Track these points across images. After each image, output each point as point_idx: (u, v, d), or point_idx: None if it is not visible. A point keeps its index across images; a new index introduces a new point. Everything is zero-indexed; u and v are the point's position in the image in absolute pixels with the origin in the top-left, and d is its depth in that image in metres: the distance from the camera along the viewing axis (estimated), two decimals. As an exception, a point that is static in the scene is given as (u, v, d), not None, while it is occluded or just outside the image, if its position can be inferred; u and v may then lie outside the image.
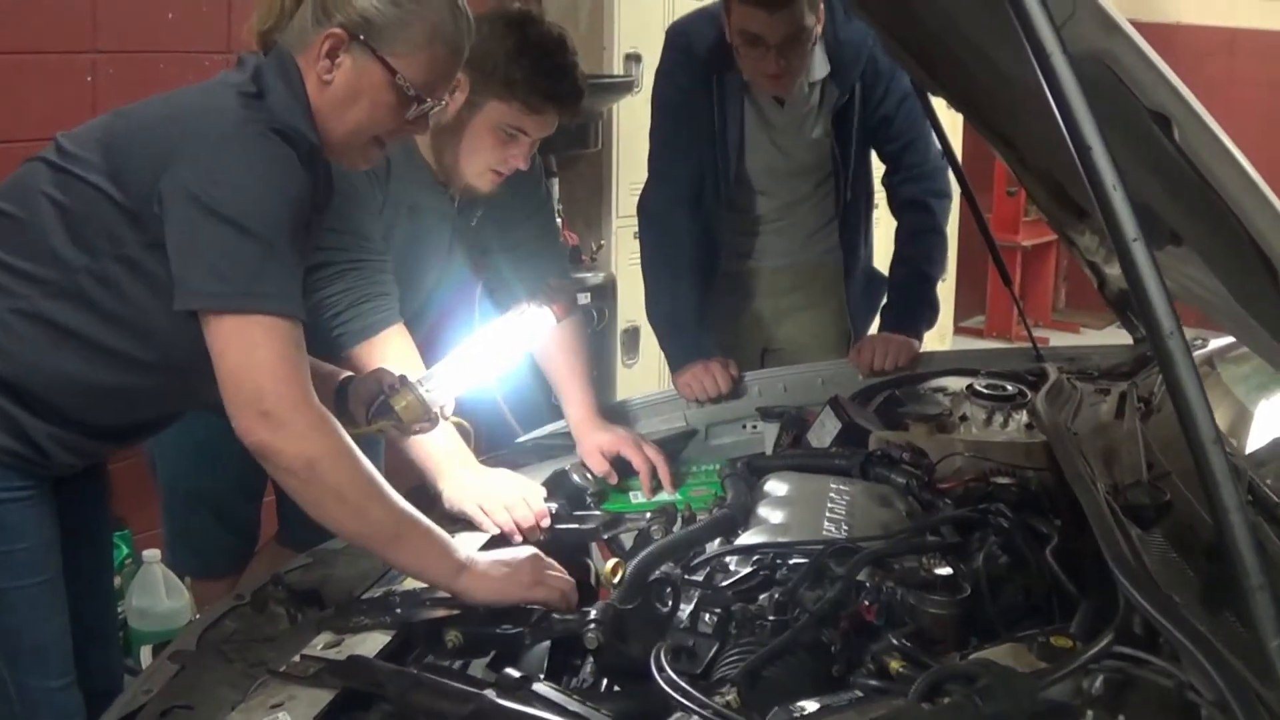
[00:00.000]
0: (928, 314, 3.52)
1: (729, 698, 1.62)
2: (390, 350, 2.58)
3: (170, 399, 2.29)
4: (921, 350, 3.35)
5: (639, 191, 3.57)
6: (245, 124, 2.00)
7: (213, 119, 2.02)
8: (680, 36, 3.43)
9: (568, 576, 2.12)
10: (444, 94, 2.19)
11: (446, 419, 2.42)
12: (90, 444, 2.20)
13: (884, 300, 3.61)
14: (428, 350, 2.71)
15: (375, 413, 2.28)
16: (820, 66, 3.34)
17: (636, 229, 3.58)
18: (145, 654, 3.75)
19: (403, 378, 2.32)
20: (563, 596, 2.06)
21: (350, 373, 2.40)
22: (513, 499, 2.44)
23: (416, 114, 2.15)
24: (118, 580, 3.92)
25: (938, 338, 7.43)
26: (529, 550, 2.16)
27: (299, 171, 2.02)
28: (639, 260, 3.55)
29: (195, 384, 2.27)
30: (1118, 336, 3.54)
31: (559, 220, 4.82)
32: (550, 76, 2.55)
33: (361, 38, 2.07)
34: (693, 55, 3.37)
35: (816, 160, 3.50)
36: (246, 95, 2.05)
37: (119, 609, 3.88)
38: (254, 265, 1.95)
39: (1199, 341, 2.78)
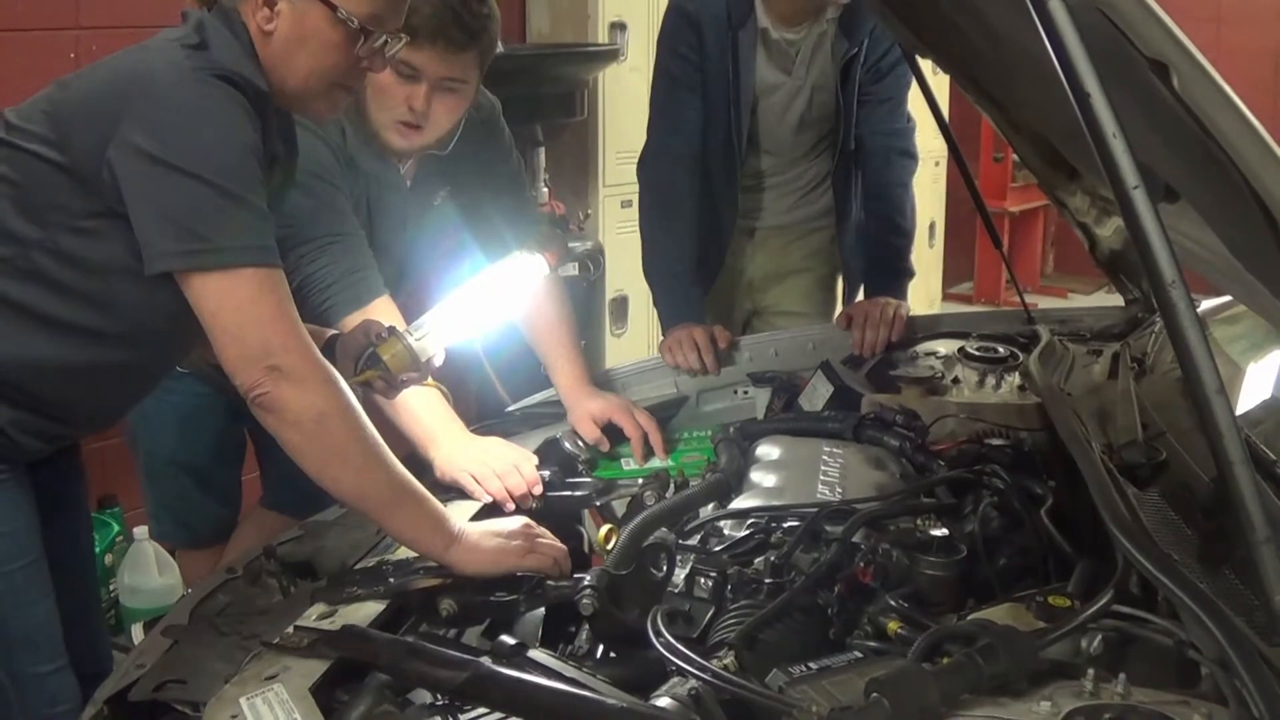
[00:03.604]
0: (909, 270, 3.53)
1: (726, 661, 1.61)
2: (381, 318, 2.57)
3: (136, 374, 2.25)
4: (911, 314, 3.33)
5: (625, 160, 3.55)
6: (188, 74, 1.94)
7: (156, 75, 1.96)
8: (682, 8, 3.37)
9: (559, 544, 2.10)
10: (395, 26, 2.13)
11: (435, 369, 2.38)
12: (54, 427, 2.16)
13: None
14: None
15: (363, 364, 2.24)
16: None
17: (624, 198, 3.55)
18: (137, 631, 3.75)
19: (391, 328, 2.27)
20: (555, 564, 2.04)
21: (336, 331, 2.37)
22: (505, 467, 2.42)
23: (368, 50, 2.08)
24: (109, 558, 3.91)
25: (926, 304, 7.45)
26: (519, 520, 2.15)
27: (249, 115, 1.97)
28: (629, 224, 3.52)
29: (162, 353, 2.24)
30: (1106, 301, 3.53)
31: (545, 190, 4.82)
32: (429, 5, 2.42)
33: None
34: (697, 24, 3.33)
35: (820, 114, 3.49)
36: (188, 47, 1.99)
37: (111, 587, 3.88)
38: (224, 217, 1.91)
39: (1191, 301, 2.77)
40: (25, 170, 2.02)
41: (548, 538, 2.10)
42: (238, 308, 1.91)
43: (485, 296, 2.47)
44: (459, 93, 2.61)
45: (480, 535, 2.05)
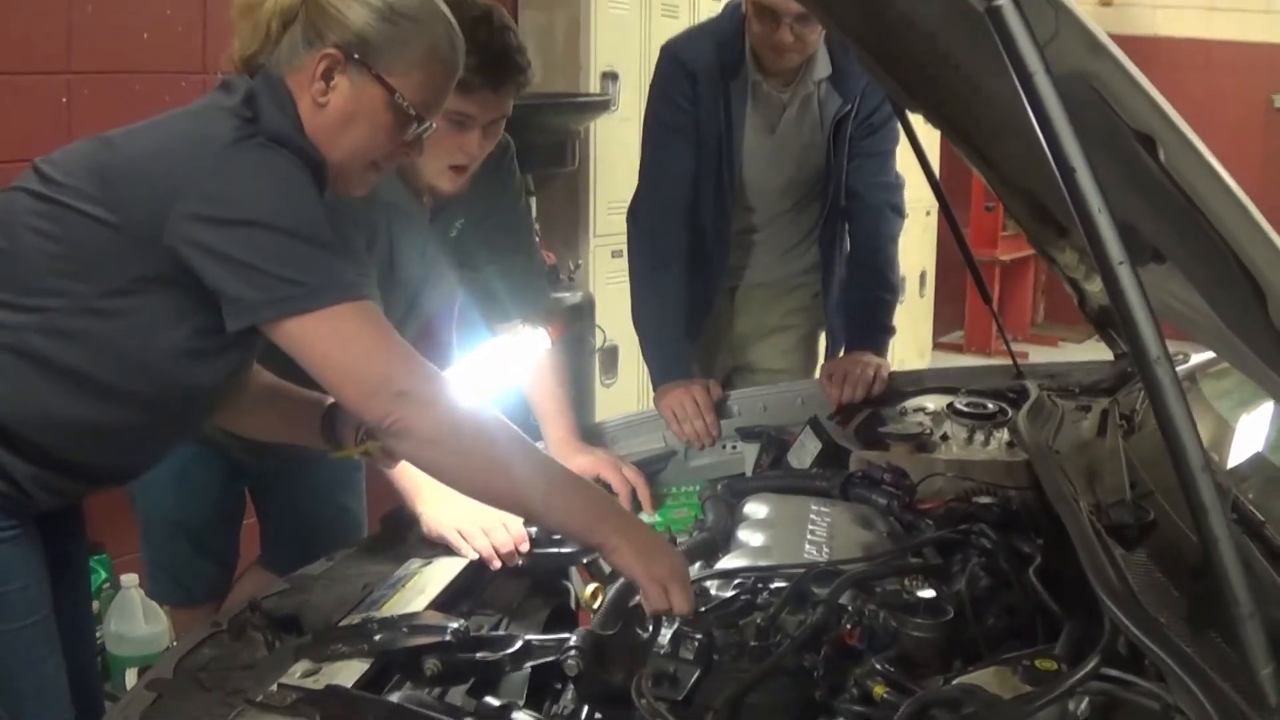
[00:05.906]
0: (892, 328, 3.53)
1: (712, 725, 1.60)
2: None
3: (164, 436, 2.24)
4: (899, 368, 3.33)
5: (616, 211, 3.55)
6: (244, 139, 1.95)
7: (213, 145, 1.95)
8: (678, 56, 3.40)
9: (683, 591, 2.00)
10: (438, 114, 2.16)
11: None
12: (73, 485, 2.14)
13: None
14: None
15: (362, 435, 2.24)
16: (823, 66, 3.36)
17: (614, 248, 3.55)
18: (131, 676, 3.72)
19: None
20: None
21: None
22: (491, 523, 2.41)
23: (414, 135, 2.11)
24: (96, 605, 3.89)
25: (916, 353, 7.46)
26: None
27: (309, 175, 1.99)
28: (619, 274, 3.51)
29: (193, 418, 2.23)
30: (1097, 349, 3.54)
31: (535, 239, 4.81)
32: (476, 53, 2.40)
33: (357, 57, 2.04)
34: (693, 74, 3.35)
35: (808, 173, 3.51)
36: (242, 119, 1.99)
37: (97, 634, 3.86)
38: (308, 260, 1.91)
39: (1180, 356, 2.77)
40: (70, 228, 1.98)
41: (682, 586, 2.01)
42: (346, 345, 1.92)
43: (488, 370, 2.48)
44: (500, 124, 2.65)
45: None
